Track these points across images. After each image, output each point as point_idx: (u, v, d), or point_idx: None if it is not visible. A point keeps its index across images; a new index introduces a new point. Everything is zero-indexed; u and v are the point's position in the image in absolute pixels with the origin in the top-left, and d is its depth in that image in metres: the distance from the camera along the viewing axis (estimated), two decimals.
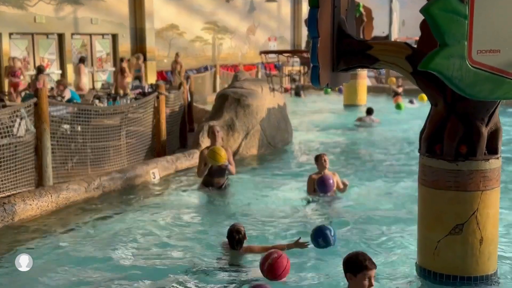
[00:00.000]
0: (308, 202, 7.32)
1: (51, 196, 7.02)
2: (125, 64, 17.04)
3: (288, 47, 26.97)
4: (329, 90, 20.01)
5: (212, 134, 7.89)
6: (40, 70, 14.12)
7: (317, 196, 7.35)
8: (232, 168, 7.82)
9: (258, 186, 8.25)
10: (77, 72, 16.84)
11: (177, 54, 20.39)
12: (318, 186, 7.26)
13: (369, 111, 14.34)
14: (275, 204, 7.39)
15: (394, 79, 20.66)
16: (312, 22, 4.18)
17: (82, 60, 16.77)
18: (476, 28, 3.89)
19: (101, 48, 19.41)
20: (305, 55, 21.89)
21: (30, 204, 6.74)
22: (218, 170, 7.73)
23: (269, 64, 23.91)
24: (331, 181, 7.22)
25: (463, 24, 3.86)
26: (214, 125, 8.43)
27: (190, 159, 9.26)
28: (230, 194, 7.79)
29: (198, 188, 7.97)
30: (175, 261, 5.48)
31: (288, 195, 7.76)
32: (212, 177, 7.77)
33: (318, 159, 7.52)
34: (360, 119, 14.33)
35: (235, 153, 9.95)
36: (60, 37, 17.95)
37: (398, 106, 16.51)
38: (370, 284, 3.66)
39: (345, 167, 9.49)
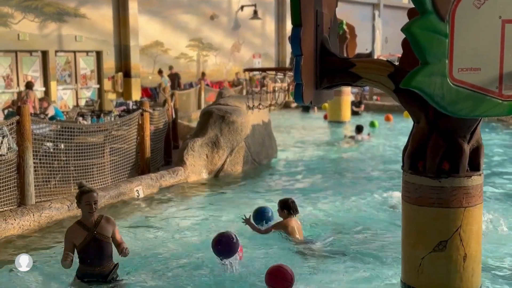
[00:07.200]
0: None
1: (33, 215, 6.94)
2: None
3: (272, 63, 27.12)
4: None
5: (88, 205, 4.97)
6: (29, 86, 13.96)
7: None
8: (122, 246, 5.11)
9: (242, 202, 8.22)
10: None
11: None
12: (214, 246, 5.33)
13: (359, 129, 14.15)
14: None
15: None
16: (295, 40, 4.21)
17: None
18: (457, 47, 3.94)
19: (85, 65, 19.36)
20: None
21: (12, 223, 6.67)
22: (99, 254, 5.01)
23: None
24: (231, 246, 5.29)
25: (444, 43, 3.91)
26: (93, 191, 5.07)
27: (175, 177, 9.22)
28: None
29: (71, 283, 5.15)
30: (157, 278, 5.43)
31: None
32: (91, 266, 5.00)
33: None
34: (351, 137, 14.15)
35: (219, 170, 9.94)
36: (44, 54, 17.88)
37: (372, 124, 16.52)
38: None
39: (327, 182, 9.51)
